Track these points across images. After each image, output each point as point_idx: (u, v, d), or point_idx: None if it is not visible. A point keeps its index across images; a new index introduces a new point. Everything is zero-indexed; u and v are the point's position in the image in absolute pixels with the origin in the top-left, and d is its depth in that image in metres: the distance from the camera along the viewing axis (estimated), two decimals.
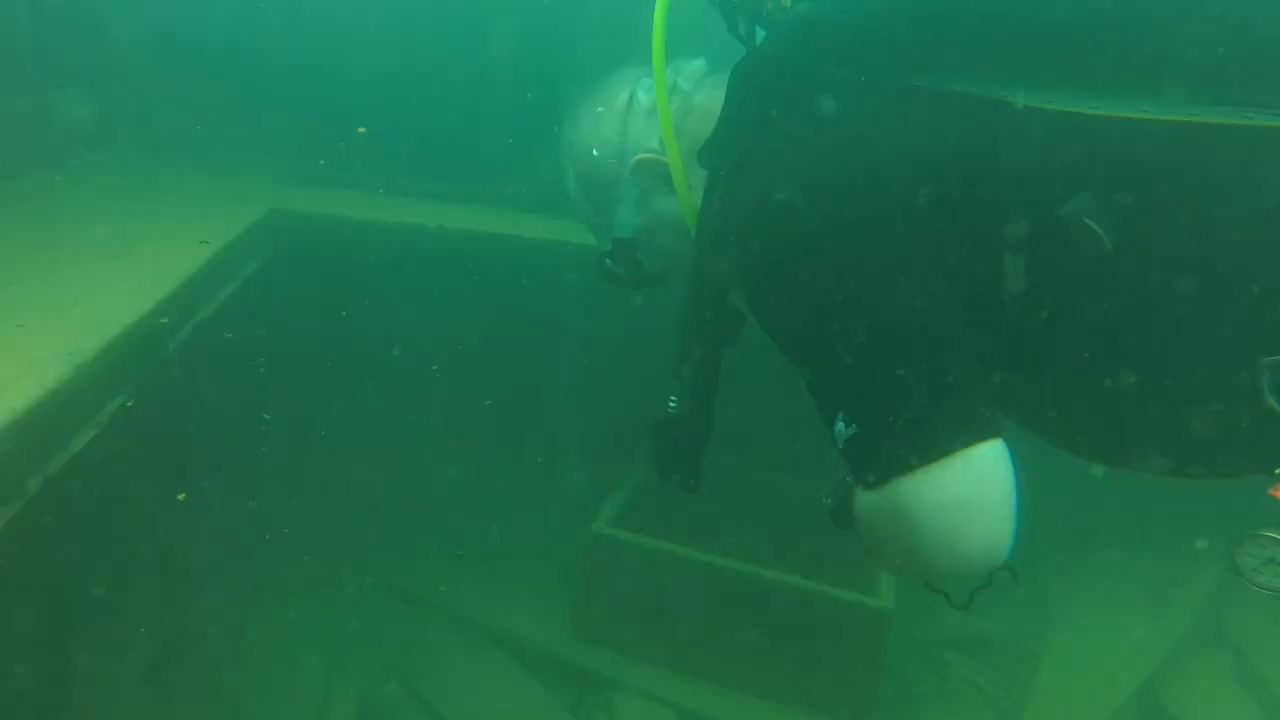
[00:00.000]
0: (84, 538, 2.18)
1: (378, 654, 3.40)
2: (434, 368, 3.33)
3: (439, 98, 3.28)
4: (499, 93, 3.24)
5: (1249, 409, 1.10)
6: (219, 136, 3.52)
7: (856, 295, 1.17)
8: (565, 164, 1.85)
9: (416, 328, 3.24)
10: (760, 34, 1.58)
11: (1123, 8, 1.18)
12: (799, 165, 1.26)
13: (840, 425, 1.17)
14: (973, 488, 1.10)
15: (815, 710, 3.09)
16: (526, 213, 3.37)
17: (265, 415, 3.05)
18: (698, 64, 1.77)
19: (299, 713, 3.04)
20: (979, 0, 1.25)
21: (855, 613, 2.94)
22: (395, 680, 3.30)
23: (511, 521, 3.62)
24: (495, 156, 3.39)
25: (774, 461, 3.51)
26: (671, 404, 1.47)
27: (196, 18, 3.40)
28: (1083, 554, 3.76)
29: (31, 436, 1.74)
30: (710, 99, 1.58)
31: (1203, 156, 1.09)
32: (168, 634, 2.93)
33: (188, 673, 2.95)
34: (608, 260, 1.70)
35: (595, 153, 1.71)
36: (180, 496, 2.54)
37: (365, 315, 3.16)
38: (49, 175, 3.24)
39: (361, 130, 3.26)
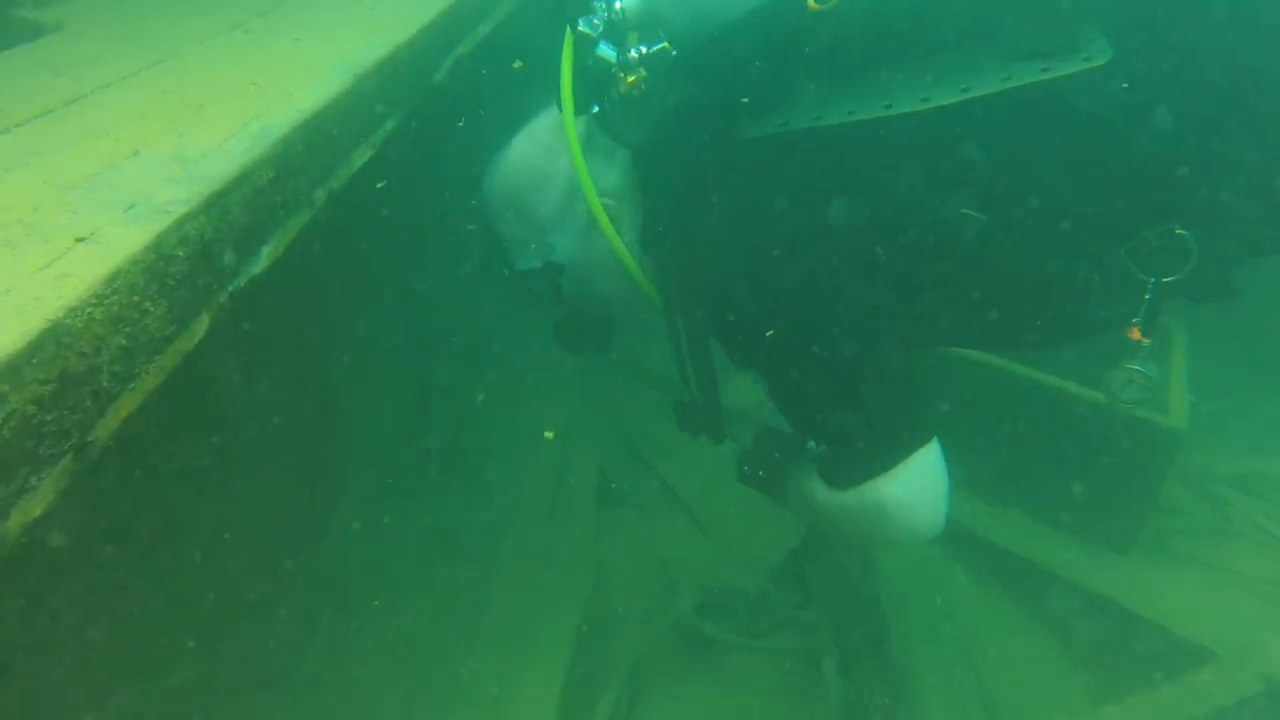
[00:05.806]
0: (350, 264, 2.17)
1: (610, 423, 3.46)
2: None
3: None
4: None
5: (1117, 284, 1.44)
6: None
7: (814, 343, 1.46)
8: (493, 191, 1.87)
9: None
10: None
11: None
12: (743, 233, 1.52)
13: (811, 444, 1.55)
14: (921, 483, 1.50)
15: (1075, 531, 2.84)
16: None
17: None
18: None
19: (541, 475, 3.12)
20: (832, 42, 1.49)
21: (1144, 429, 2.60)
22: (625, 445, 3.38)
23: None
24: None
25: None
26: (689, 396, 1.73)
27: None
28: None
29: (320, 143, 1.68)
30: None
31: (1032, 113, 1.41)
32: (418, 391, 3.03)
33: (436, 431, 3.06)
34: (533, 279, 1.83)
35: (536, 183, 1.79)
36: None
37: None
38: None
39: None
